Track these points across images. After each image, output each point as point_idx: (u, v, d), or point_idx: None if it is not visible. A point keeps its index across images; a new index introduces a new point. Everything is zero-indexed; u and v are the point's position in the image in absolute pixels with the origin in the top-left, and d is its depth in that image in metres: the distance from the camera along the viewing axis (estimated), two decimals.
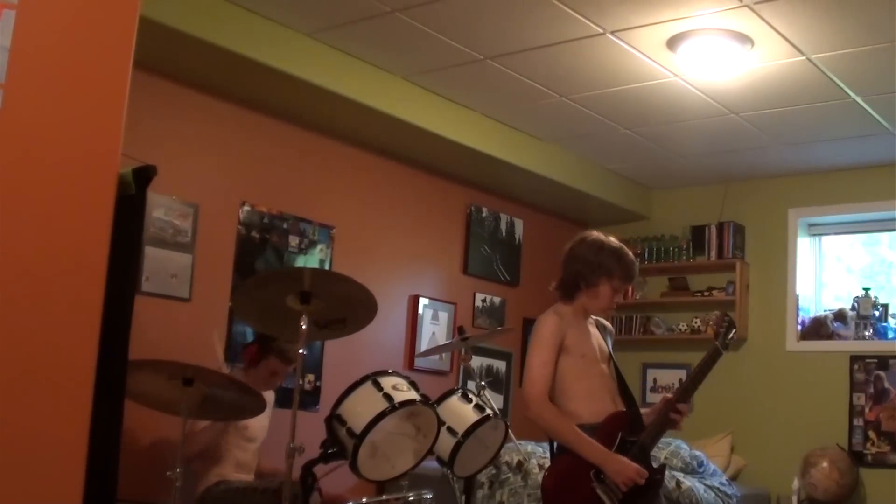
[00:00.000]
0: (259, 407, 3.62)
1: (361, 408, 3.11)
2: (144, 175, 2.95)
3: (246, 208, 4.97)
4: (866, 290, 6.07)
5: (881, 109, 5.14)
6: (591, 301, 3.38)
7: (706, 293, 6.51)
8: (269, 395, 4.39)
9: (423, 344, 5.79)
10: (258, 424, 4.14)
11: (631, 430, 3.31)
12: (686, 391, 3.39)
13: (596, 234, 3.45)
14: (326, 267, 5.28)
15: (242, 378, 3.95)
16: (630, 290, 6.66)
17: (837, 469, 5.62)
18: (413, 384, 3.28)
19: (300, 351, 3.21)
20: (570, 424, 3.22)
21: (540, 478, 4.04)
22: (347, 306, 3.35)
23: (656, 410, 3.39)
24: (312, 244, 5.27)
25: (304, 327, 3.17)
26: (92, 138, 2.14)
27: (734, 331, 3.52)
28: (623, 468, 3.17)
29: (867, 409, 5.88)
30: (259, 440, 4.26)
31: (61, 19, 2.11)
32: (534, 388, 3.23)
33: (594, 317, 3.51)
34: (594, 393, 3.32)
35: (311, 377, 5.19)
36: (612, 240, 3.42)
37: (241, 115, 4.96)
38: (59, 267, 2.06)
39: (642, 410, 3.43)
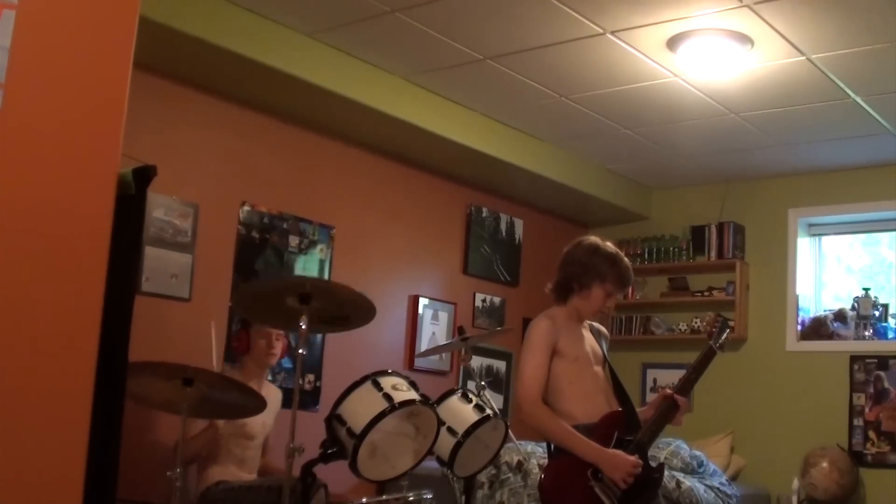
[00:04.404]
0: (259, 406, 3.61)
1: (361, 408, 3.11)
2: (144, 175, 2.96)
3: (246, 208, 4.97)
4: (866, 290, 6.07)
5: (881, 109, 5.14)
6: (583, 304, 3.40)
7: (706, 293, 6.51)
8: (277, 394, 4.40)
9: (423, 344, 5.79)
10: (257, 421, 4.13)
11: (627, 429, 3.32)
12: (681, 391, 3.40)
13: (593, 239, 3.47)
14: (326, 267, 5.28)
15: (240, 377, 3.95)
16: (630, 289, 6.66)
17: (837, 469, 5.62)
18: (413, 384, 3.28)
19: (300, 351, 3.22)
20: (564, 424, 3.23)
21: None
22: (346, 309, 3.37)
23: (653, 407, 3.40)
24: (312, 244, 5.27)
25: (303, 327, 3.18)
26: (92, 138, 2.14)
27: (728, 331, 3.56)
28: (619, 463, 3.18)
29: (867, 409, 5.88)
30: (259, 437, 4.25)
31: (61, 19, 2.11)
32: (527, 390, 3.25)
33: (589, 321, 3.53)
34: (588, 394, 3.33)
35: (311, 377, 5.18)
36: (609, 245, 3.44)
37: (241, 115, 4.96)
38: (59, 267, 2.06)
39: (638, 409, 3.44)
